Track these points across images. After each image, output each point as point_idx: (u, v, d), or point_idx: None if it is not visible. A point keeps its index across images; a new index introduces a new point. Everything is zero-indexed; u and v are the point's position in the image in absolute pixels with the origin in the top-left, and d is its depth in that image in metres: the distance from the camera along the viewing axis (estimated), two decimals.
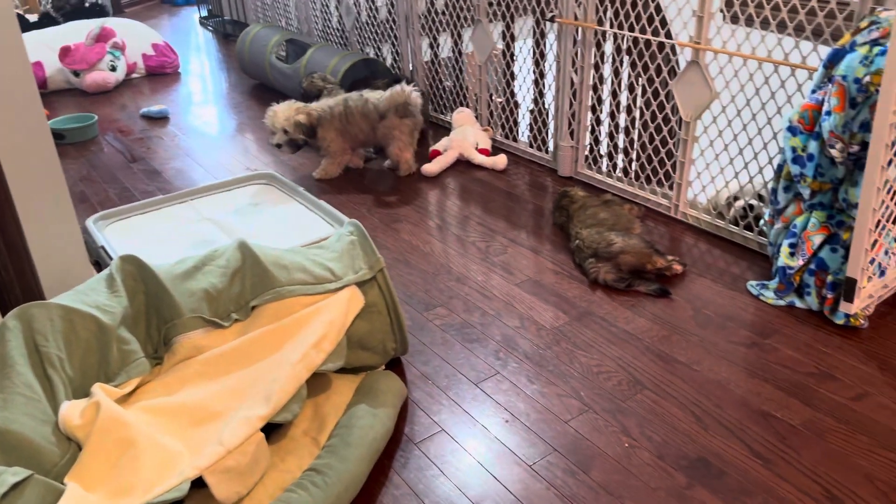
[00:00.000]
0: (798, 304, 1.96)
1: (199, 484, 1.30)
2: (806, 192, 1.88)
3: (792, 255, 1.93)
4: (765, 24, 2.04)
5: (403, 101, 2.74)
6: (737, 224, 2.27)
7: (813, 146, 1.83)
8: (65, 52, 4.06)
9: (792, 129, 1.86)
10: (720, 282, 2.10)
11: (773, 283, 1.99)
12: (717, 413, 1.62)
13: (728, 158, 2.24)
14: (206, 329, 1.56)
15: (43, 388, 1.37)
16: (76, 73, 4.08)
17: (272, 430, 1.52)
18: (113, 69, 4.15)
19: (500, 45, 3.01)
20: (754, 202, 2.22)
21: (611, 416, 1.62)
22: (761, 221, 2.20)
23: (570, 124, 2.74)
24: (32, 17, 4.93)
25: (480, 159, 2.98)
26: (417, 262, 2.29)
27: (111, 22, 4.40)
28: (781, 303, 1.97)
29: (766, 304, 1.99)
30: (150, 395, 1.48)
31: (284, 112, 2.77)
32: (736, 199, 2.26)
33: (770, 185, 2.05)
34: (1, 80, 1.56)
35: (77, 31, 4.24)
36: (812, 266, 1.90)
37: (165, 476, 1.28)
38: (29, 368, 1.37)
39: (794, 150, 1.86)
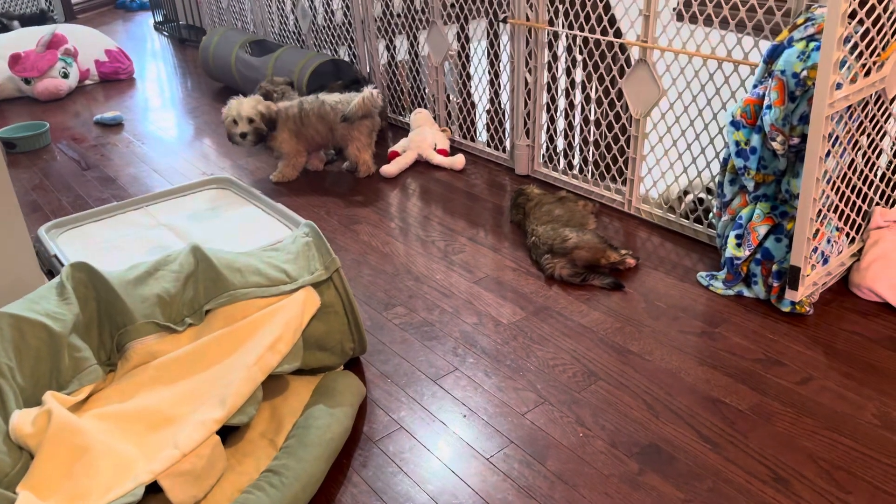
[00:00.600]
0: (746, 293, 2.02)
1: (154, 489, 1.30)
2: (750, 185, 1.94)
3: (738, 245, 1.98)
4: (708, 22, 2.09)
5: (374, 107, 2.78)
6: (687, 217, 2.33)
7: (755, 139, 1.89)
8: (15, 60, 3.98)
9: (735, 124, 1.92)
10: (673, 274, 2.15)
11: (722, 274, 2.05)
12: (667, 400, 1.67)
13: (677, 154, 2.30)
14: (159, 334, 1.55)
15: None
16: (27, 81, 4.00)
17: (229, 433, 1.52)
18: (65, 76, 4.08)
19: (456, 47, 3.04)
20: (704, 196, 2.28)
21: (566, 408, 1.66)
22: (710, 214, 2.26)
23: (525, 123, 2.78)
24: None
25: (439, 160, 3.00)
26: (377, 263, 2.30)
27: (63, 28, 4.32)
28: (730, 292, 2.03)
29: (715, 295, 2.04)
30: (104, 401, 1.47)
31: (249, 102, 2.80)
32: (686, 193, 2.32)
33: (717, 179, 2.10)
34: None
35: (27, 39, 4.16)
36: (758, 256, 1.95)
37: (120, 481, 1.28)
38: None
39: (737, 143, 1.92)
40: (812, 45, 1.76)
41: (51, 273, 2.18)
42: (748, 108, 1.89)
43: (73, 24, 4.79)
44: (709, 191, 2.28)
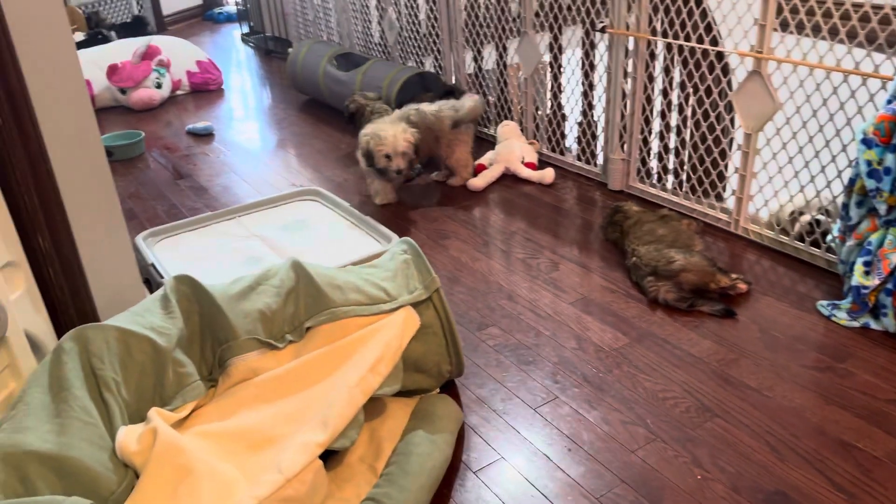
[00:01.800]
0: (873, 325, 1.86)
1: None
2: (882, 208, 1.78)
3: (867, 273, 1.83)
4: (834, 33, 1.95)
5: (482, 113, 2.74)
6: (802, 240, 2.17)
7: (890, 159, 1.73)
8: (112, 70, 4.11)
9: (867, 142, 1.77)
10: (786, 301, 2.01)
11: (846, 303, 1.89)
12: (793, 442, 1.53)
13: (792, 171, 2.15)
14: (260, 350, 1.53)
15: (99, 411, 1.34)
16: (123, 91, 4.13)
17: (328, 457, 1.48)
18: (158, 86, 4.19)
19: (547, 57, 2.96)
20: (821, 217, 2.12)
21: (680, 446, 1.54)
22: (829, 237, 2.10)
23: (621, 136, 2.67)
24: (79, 37, 5.02)
25: (527, 173, 2.92)
26: (468, 280, 2.24)
27: (157, 40, 4.45)
28: (855, 324, 1.88)
29: (837, 325, 1.89)
30: (206, 419, 1.44)
31: (400, 133, 2.52)
32: (801, 213, 2.17)
33: (840, 200, 1.95)
34: (58, 100, 1.56)
35: (124, 50, 4.30)
36: (889, 285, 1.80)
37: None
38: (85, 392, 1.34)
39: (868, 163, 1.77)
40: None
41: (147, 282, 2.21)
42: (882, 126, 1.74)
43: (166, 36, 4.94)
44: (826, 212, 2.13)
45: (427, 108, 2.75)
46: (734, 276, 2.03)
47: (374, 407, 1.61)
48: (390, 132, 2.54)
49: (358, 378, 1.46)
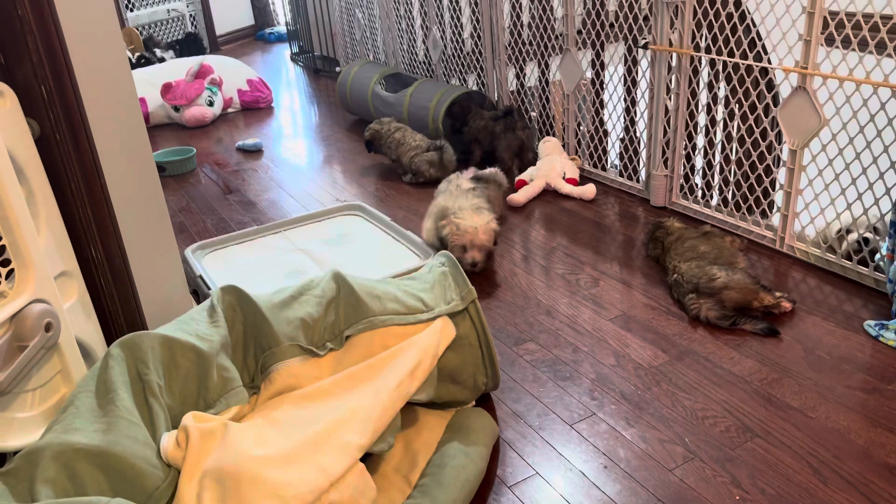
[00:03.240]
0: None
1: None
2: None
3: None
4: (880, 48, 1.91)
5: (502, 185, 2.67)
6: (850, 258, 2.12)
7: None
8: (166, 89, 4.26)
9: None
10: (832, 320, 1.96)
11: (895, 324, 1.84)
12: (836, 465, 1.49)
13: (839, 189, 2.10)
14: (302, 357, 1.56)
15: (142, 415, 1.39)
16: (176, 109, 4.28)
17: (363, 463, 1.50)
18: (210, 104, 4.33)
19: (589, 74, 2.96)
20: (869, 235, 2.07)
21: (719, 466, 1.52)
22: (877, 256, 2.05)
23: (663, 152, 2.65)
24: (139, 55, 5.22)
25: (568, 189, 2.92)
26: (506, 295, 2.25)
27: (209, 59, 4.61)
28: None
29: (885, 346, 1.84)
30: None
31: (483, 224, 2.30)
32: (848, 231, 2.12)
33: (889, 218, 1.90)
34: (112, 117, 1.63)
35: (178, 69, 4.46)
36: None
37: None
38: (130, 396, 1.39)
39: None
40: None
41: (195, 293, 2.27)
42: None
43: (218, 56, 5.10)
44: (875, 230, 2.07)
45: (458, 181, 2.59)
46: (778, 294, 1.99)
47: (409, 418, 1.63)
48: (471, 223, 2.30)
49: (397, 382, 1.48)
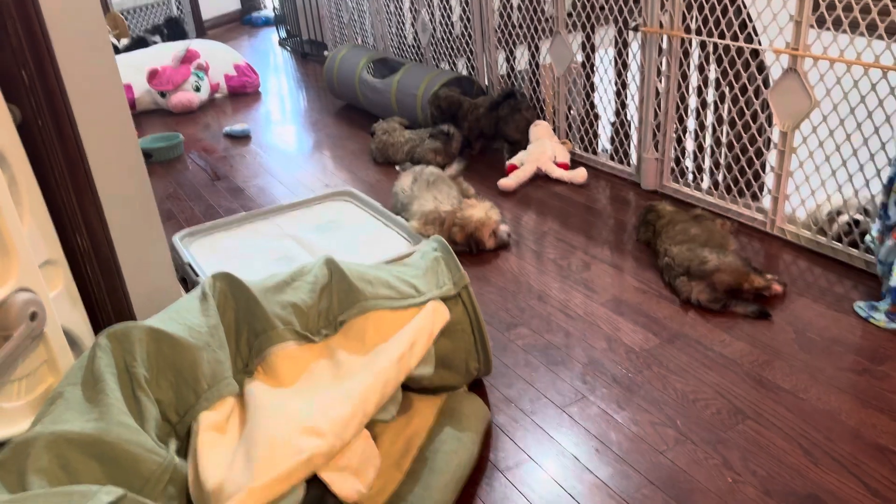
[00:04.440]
0: None
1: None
2: None
3: None
4: (871, 29, 1.90)
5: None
6: (840, 240, 2.12)
7: None
8: (152, 74, 4.21)
9: None
10: (822, 302, 1.96)
11: (885, 305, 1.84)
12: (827, 446, 1.50)
13: (830, 170, 2.10)
14: (297, 341, 1.55)
15: (129, 407, 1.37)
16: (163, 94, 4.23)
17: None
18: (197, 90, 4.28)
19: (580, 57, 2.94)
20: (860, 217, 2.07)
21: (710, 448, 1.52)
22: (868, 237, 2.05)
23: (654, 136, 2.64)
24: (125, 41, 5.15)
25: (559, 173, 2.91)
26: (498, 280, 2.24)
27: (195, 44, 4.55)
28: (893, 326, 1.82)
29: (875, 327, 1.84)
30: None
31: (487, 213, 2.41)
32: (839, 213, 2.12)
33: (879, 199, 1.90)
34: (97, 104, 1.60)
35: (163, 54, 4.40)
36: None
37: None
38: (118, 387, 1.38)
39: None
40: None
41: (183, 280, 2.25)
42: None
43: (205, 40, 5.03)
44: (866, 211, 2.07)
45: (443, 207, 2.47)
46: (769, 276, 1.99)
47: (401, 404, 1.62)
48: (475, 217, 2.39)
49: (399, 355, 1.48)
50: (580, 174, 2.88)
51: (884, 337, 1.81)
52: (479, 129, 3.20)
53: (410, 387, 1.62)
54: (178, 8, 6.03)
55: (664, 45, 2.49)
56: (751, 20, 2.25)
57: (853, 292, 1.99)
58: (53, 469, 1.21)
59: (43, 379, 1.40)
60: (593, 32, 2.84)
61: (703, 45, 2.44)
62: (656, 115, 2.60)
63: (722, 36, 2.31)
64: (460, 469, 1.45)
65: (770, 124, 2.28)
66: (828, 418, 1.57)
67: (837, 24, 1.97)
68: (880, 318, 1.85)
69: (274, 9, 5.79)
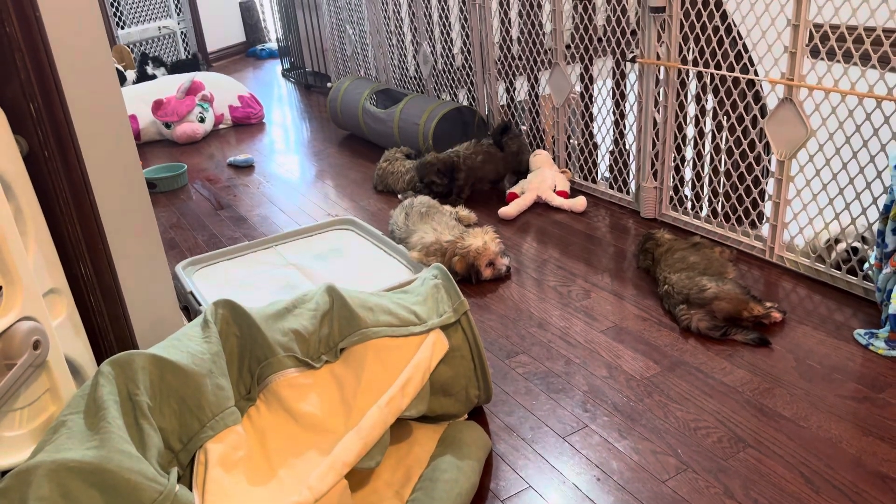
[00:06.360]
0: None
1: None
2: None
3: None
4: (865, 59, 1.93)
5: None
6: (839, 268, 2.13)
7: None
8: (157, 105, 4.27)
9: None
10: (822, 330, 1.97)
11: (884, 332, 1.85)
12: (828, 474, 1.49)
13: (827, 198, 2.12)
14: (298, 368, 1.56)
15: (132, 436, 1.38)
16: (167, 125, 4.28)
17: (353, 479, 1.49)
18: (202, 120, 4.33)
19: (579, 88, 2.98)
20: (858, 245, 2.08)
21: (712, 476, 1.52)
22: (866, 265, 2.06)
23: (653, 164, 2.67)
24: (131, 75, 5.23)
25: (559, 202, 2.93)
26: (498, 308, 2.25)
27: (200, 76, 4.61)
28: (893, 353, 1.83)
29: (875, 355, 1.84)
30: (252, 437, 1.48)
31: (487, 240, 2.41)
32: (837, 241, 2.13)
33: (876, 227, 1.92)
34: (102, 136, 1.63)
35: (169, 85, 4.46)
36: None
37: None
38: (120, 415, 1.38)
39: None
40: None
41: (185, 309, 2.27)
42: None
43: (209, 72, 5.11)
44: (864, 239, 2.09)
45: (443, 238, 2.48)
46: (768, 304, 2.00)
47: (401, 433, 1.62)
48: (476, 246, 2.39)
49: (388, 398, 1.47)
50: (580, 202, 2.90)
51: (884, 364, 1.81)
52: (476, 177, 3.10)
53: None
54: (183, 41, 6.12)
55: (661, 76, 2.53)
56: (746, 51, 2.29)
57: (853, 320, 2.00)
58: (54, 498, 1.21)
59: (45, 408, 1.41)
60: (591, 64, 2.88)
61: (699, 76, 2.48)
62: (654, 144, 2.63)
63: (718, 67, 2.35)
64: (461, 498, 1.44)
65: (767, 153, 2.31)
66: (829, 446, 1.56)
67: (831, 54, 2.01)
68: (880, 346, 1.85)
69: (278, 41, 5.88)
